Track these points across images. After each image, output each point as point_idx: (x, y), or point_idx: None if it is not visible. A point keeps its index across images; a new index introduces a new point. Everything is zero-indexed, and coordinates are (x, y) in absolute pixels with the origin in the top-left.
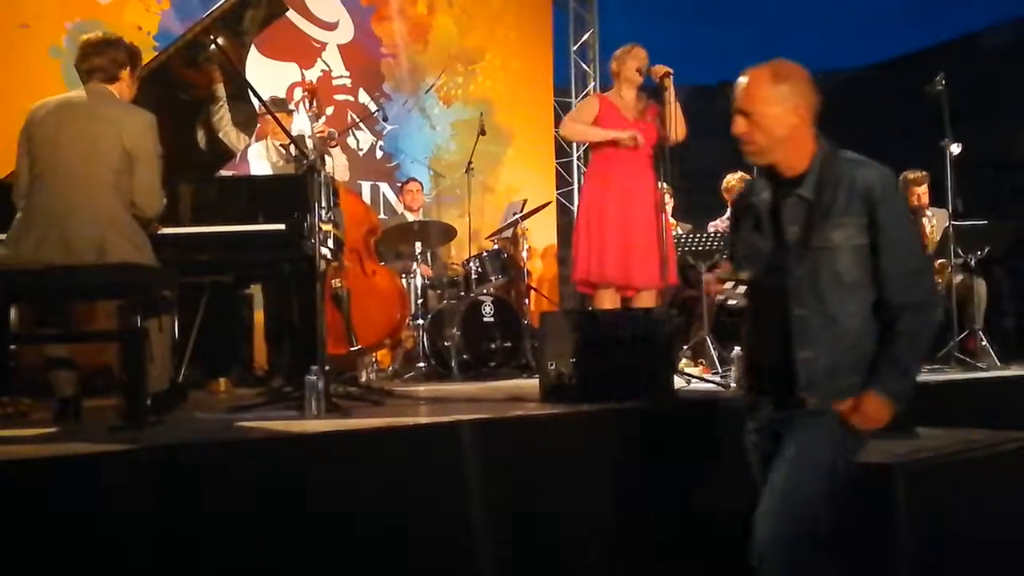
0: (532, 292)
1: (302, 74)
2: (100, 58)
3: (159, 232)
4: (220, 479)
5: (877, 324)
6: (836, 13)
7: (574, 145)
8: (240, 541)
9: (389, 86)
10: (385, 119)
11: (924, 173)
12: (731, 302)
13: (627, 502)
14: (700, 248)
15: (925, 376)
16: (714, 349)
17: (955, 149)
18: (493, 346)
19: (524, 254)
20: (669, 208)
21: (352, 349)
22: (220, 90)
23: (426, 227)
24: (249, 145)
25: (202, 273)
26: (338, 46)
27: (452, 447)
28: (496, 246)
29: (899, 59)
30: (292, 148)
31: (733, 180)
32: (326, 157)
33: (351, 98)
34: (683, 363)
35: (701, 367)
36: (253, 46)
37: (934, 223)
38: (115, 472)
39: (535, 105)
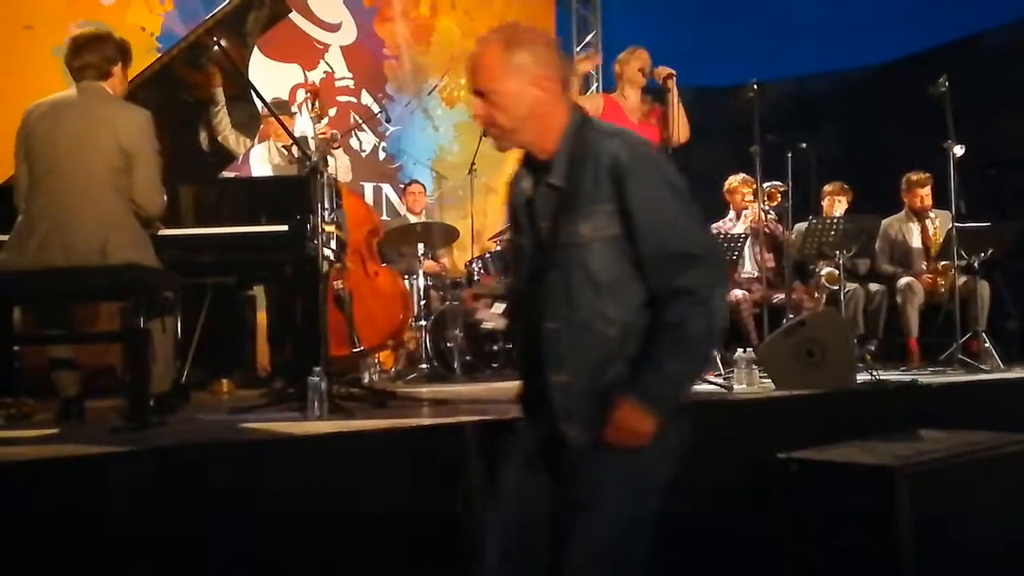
0: None
1: (305, 75)
2: (91, 55)
3: (162, 233)
4: (223, 480)
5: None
6: (839, 15)
7: None
8: (243, 542)
9: (392, 87)
10: (388, 120)
11: (927, 175)
12: (487, 325)
13: None
14: None
15: (928, 378)
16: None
17: (958, 151)
18: (496, 347)
19: None
20: None
21: (355, 350)
22: (219, 94)
23: (429, 228)
24: (251, 147)
25: (205, 274)
26: (341, 47)
27: (455, 449)
28: (499, 247)
29: (902, 60)
30: (295, 149)
31: (736, 181)
32: (328, 158)
33: (354, 99)
34: None
35: None
36: (256, 47)
37: (937, 225)
38: (118, 473)
39: None
